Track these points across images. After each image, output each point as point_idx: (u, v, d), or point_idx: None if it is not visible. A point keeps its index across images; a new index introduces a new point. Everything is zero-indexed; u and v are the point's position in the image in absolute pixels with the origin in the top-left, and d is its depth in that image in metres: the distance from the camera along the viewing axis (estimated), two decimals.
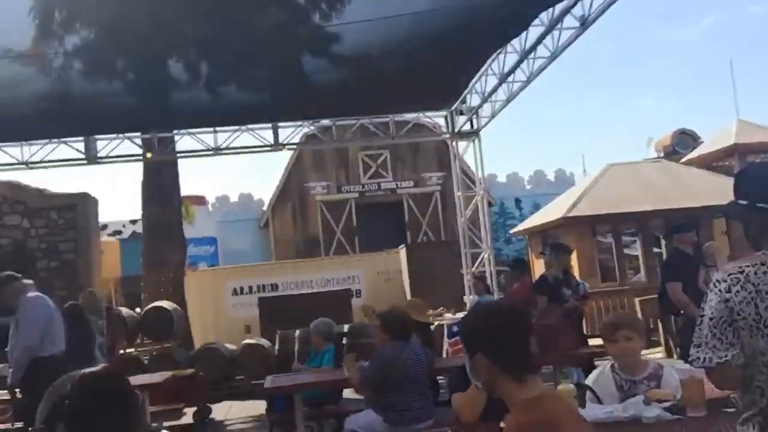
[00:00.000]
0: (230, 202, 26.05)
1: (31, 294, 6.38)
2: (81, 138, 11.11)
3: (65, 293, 10.27)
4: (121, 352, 10.45)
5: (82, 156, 11.24)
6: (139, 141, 11.57)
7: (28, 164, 11.07)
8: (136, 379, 7.23)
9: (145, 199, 13.69)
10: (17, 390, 6.01)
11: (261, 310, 12.97)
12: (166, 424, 7.62)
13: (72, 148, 11.17)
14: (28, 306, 6.16)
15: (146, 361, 10.69)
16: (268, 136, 11.61)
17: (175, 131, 11.58)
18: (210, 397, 9.64)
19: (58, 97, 8.94)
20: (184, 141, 11.89)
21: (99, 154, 11.30)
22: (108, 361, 8.25)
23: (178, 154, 12.36)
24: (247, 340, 11.63)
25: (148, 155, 11.64)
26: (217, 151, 11.50)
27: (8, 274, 6.32)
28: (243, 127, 11.36)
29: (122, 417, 2.47)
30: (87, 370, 2.60)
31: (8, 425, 6.35)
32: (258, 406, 7.76)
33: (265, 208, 24.96)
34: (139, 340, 11.47)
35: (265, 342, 11.37)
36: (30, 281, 6.62)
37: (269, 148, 11.72)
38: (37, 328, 6.06)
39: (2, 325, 7.62)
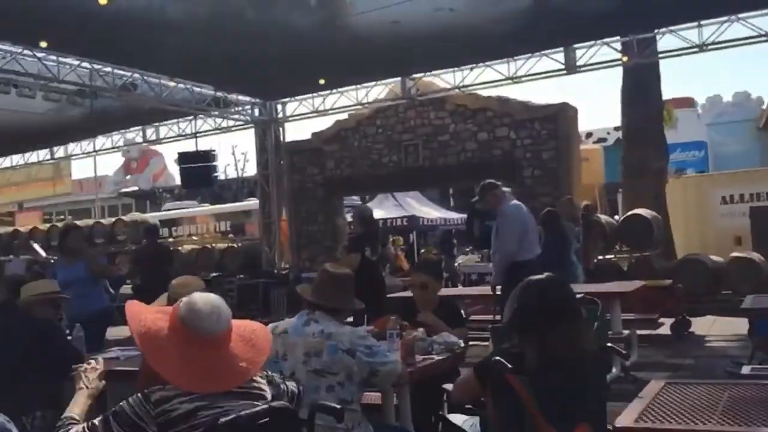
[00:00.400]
0: (722, 102, 23.83)
1: (511, 203, 6.89)
2: (560, 48, 11.36)
3: (548, 200, 10.86)
4: (599, 257, 10.65)
5: (562, 66, 11.52)
6: (617, 45, 11.29)
7: (513, 79, 11.87)
8: (607, 286, 7.32)
9: (624, 104, 13.39)
10: (497, 287, 6.66)
11: (754, 220, 11.74)
12: (639, 332, 7.56)
13: (552, 59, 11.52)
14: (507, 214, 6.67)
15: (625, 268, 10.71)
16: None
17: (655, 30, 10.94)
18: (689, 310, 9.19)
19: (537, 11, 9.26)
20: (665, 40, 11.16)
21: (578, 63, 11.43)
22: (584, 266, 8.51)
23: (659, 55, 11.68)
24: (736, 253, 10.67)
25: (624, 59, 11.29)
26: (702, 47, 10.51)
27: (490, 182, 6.93)
28: (733, 17, 10.08)
29: (565, 321, 2.51)
30: (533, 278, 2.70)
31: (491, 316, 7.10)
32: (743, 325, 7.09)
33: (765, 106, 22.09)
34: (617, 247, 11.52)
35: (756, 256, 10.28)
36: (508, 189, 7.14)
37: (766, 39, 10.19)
38: (515, 236, 6.53)
39: (488, 226, 8.45)
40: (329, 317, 3.36)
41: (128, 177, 32.28)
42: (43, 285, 4.58)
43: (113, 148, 16.61)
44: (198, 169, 14.48)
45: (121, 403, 2.22)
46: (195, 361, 2.25)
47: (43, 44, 9.62)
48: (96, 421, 2.20)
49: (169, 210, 21.38)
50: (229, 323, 2.33)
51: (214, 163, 14.81)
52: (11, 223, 25.17)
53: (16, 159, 17.33)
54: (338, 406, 2.69)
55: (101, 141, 16.52)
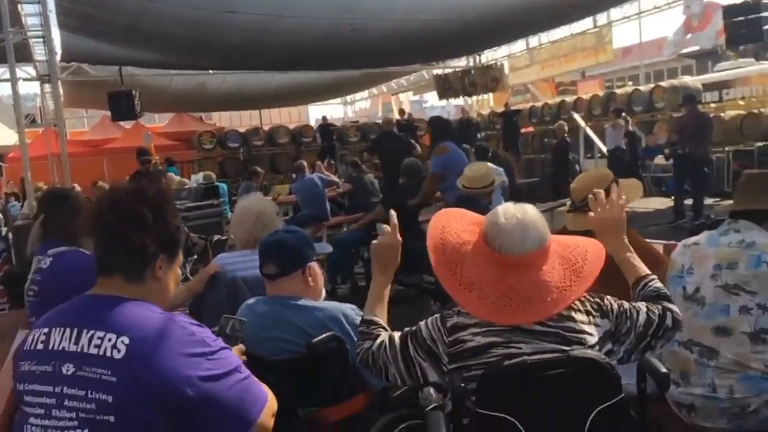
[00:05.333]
0: None
1: None
2: None
3: None
4: None
5: None
6: None
7: None
8: None
9: None
10: None
11: None
12: None
13: None
14: None
15: None
16: None
17: None
18: None
19: None
20: None
21: None
22: None
23: None
24: None
25: None
26: None
27: None
28: None
29: None
30: None
31: None
32: None
33: None
34: None
35: None
36: None
37: None
38: None
39: None
40: (757, 227, 2.54)
41: (689, 36, 30.19)
42: None
43: (654, 8, 15.63)
44: (746, 23, 12.58)
45: (420, 323, 2.04)
46: (491, 284, 1.89)
47: None
48: (396, 338, 2.08)
49: (722, 71, 19.28)
50: (541, 244, 1.89)
51: (767, 15, 12.57)
52: (574, 92, 26.61)
53: (563, 31, 17.88)
54: (664, 371, 1.96)
55: (645, 3, 15.75)
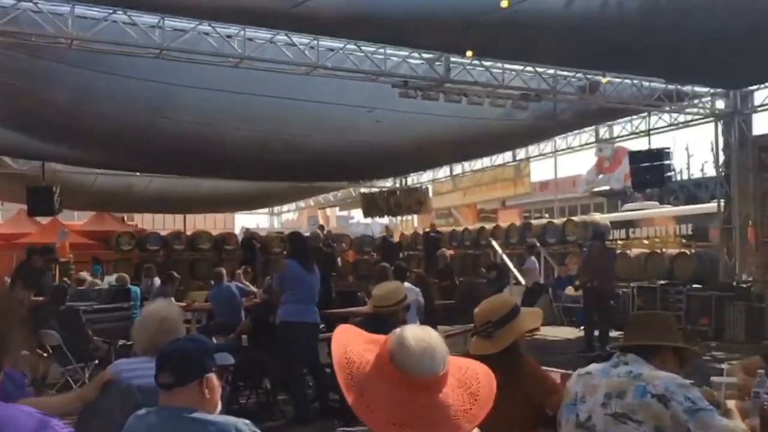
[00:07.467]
0: None
1: None
2: None
3: None
4: None
5: None
6: None
7: None
8: None
9: None
10: None
11: None
12: None
13: None
14: None
15: None
16: None
17: None
18: None
19: None
20: None
21: None
22: None
23: None
24: None
25: None
26: None
27: None
28: None
29: None
30: None
31: None
32: None
33: None
34: None
35: None
36: None
37: None
38: None
39: None
40: (644, 361, 2.73)
41: (600, 177, 32.30)
42: None
43: (568, 148, 16.79)
44: (650, 169, 13.64)
45: None
46: (399, 407, 1.87)
47: (469, 53, 10.14)
48: None
49: (629, 211, 20.66)
50: (445, 366, 1.89)
51: (668, 162, 13.70)
52: (495, 219, 27.65)
53: (485, 162, 18.88)
54: None
55: (559, 143, 16.89)
